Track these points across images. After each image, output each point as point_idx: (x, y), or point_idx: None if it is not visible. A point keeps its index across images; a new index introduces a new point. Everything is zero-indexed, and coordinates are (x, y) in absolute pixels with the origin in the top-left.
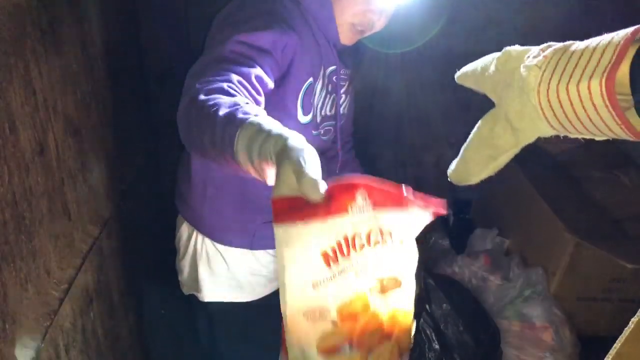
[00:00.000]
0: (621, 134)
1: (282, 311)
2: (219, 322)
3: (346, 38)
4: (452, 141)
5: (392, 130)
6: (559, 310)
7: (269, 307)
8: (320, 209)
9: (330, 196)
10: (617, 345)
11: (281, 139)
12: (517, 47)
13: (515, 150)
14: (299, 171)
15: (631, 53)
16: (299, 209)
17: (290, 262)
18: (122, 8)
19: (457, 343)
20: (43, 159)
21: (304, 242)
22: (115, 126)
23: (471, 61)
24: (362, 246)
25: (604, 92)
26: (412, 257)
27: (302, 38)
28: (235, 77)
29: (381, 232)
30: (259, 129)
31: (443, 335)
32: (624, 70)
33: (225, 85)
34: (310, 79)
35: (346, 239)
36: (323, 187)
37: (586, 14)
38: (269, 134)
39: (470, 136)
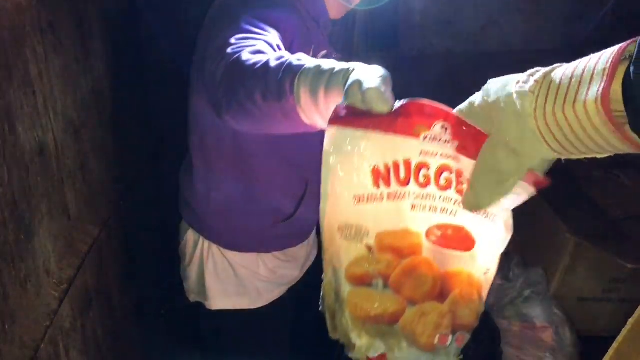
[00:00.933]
0: (624, 148)
1: (320, 224)
2: (226, 329)
3: (334, 10)
4: None
5: None
6: (559, 310)
7: (275, 313)
8: (384, 122)
9: (401, 114)
10: (615, 345)
11: (349, 68)
12: (500, 78)
13: (522, 174)
14: (366, 81)
15: (621, 71)
16: (360, 116)
17: (336, 167)
18: (122, 8)
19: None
20: (43, 159)
21: (355, 149)
22: (115, 126)
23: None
24: (428, 181)
25: (601, 110)
26: (497, 230)
27: (293, 18)
28: (262, 43)
29: (459, 177)
30: (319, 69)
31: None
32: (616, 88)
33: (259, 45)
34: None
35: (407, 164)
36: (390, 100)
37: (586, 14)
38: (333, 69)
39: (475, 165)
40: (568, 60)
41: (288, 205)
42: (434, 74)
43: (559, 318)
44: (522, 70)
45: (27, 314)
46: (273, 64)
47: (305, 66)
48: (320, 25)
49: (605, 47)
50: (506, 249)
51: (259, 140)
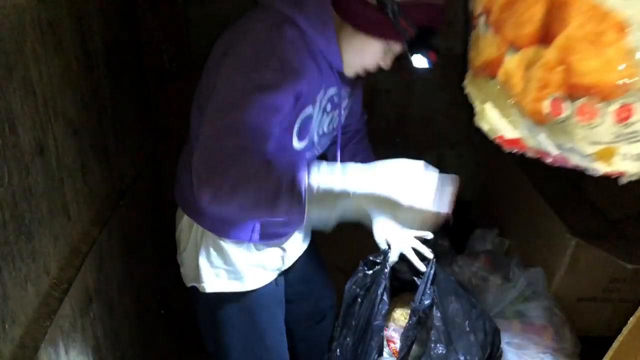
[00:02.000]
0: None
1: None
2: (220, 312)
3: (351, 72)
4: (452, 141)
5: (392, 130)
6: (559, 310)
7: (268, 295)
8: None
9: None
10: (615, 344)
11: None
12: None
13: None
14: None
15: None
16: None
17: None
18: (122, 8)
19: (462, 345)
20: (43, 159)
21: None
22: (115, 126)
23: None
24: None
25: None
26: None
27: (305, 72)
28: (267, 150)
29: None
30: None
31: (449, 337)
32: None
33: (264, 161)
34: (309, 108)
35: None
36: None
37: None
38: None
39: None
40: None
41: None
42: (435, 74)
43: (559, 318)
44: None
45: (27, 314)
46: (279, 194)
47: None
48: (333, 69)
49: None
50: (506, 249)
51: None
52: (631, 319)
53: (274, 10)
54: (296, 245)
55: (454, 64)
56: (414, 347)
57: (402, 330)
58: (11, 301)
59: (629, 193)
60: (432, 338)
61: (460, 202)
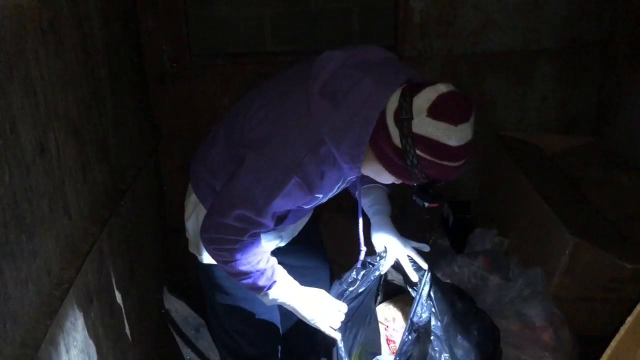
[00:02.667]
0: None
1: None
2: (215, 280)
3: (367, 172)
4: None
5: None
6: (558, 310)
7: None
8: None
9: None
10: (613, 343)
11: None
12: None
13: None
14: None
15: None
16: None
17: None
18: (122, 8)
19: (461, 346)
20: (44, 159)
21: None
22: (115, 126)
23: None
24: None
25: None
26: None
27: (326, 182)
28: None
29: None
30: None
31: (450, 345)
32: None
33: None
34: (327, 195)
35: None
36: None
37: (586, 15)
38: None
39: None
40: (568, 60)
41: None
42: (434, 74)
43: (558, 318)
44: (522, 71)
45: (28, 313)
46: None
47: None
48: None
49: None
50: (506, 249)
51: None
52: (629, 318)
53: (317, 131)
54: (291, 230)
55: (454, 64)
56: (413, 355)
57: (402, 330)
58: (12, 301)
59: (628, 193)
60: (436, 348)
61: (460, 202)
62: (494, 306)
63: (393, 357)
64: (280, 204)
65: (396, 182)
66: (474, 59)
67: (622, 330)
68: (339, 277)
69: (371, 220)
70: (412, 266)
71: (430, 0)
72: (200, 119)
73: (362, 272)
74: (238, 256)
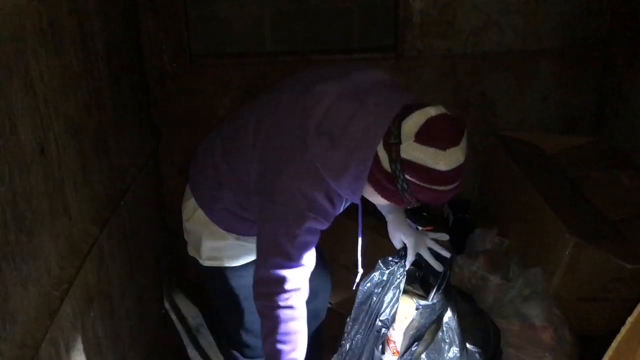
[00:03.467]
0: None
1: None
2: (217, 282)
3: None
4: None
5: None
6: (559, 310)
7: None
8: None
9: None
10: (614, 344)
11: None
12: None
13: None
14: None
15: None
16: None
17: None
18: (122, 8)
19: (465, 345)
20: (44, 159)
21: None
22: (115, 126)
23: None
24: None
25: None
26: None
27: (335, 208)
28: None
29: None
30: None
31: (460, 336)
32: None
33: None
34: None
35: None
36: None
37: (586, 15)
38: None
39: None
40: (568, 60)
41: None
42: (434, 74)
43: (558, 318)
44: (521, 71)
45: (28, 313)
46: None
47: None
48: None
49: (605, 47)
50: (506, 249)
51: None
52: (629, 318)
53: (318, 167)
54: None
55: (454, 64)
56: (417, 344)
57: (402, 329)
58: (12, 301)
59: (628, 193)
60: (447, 340)
61: (460, 202)
62: (494, 306)
63: (395, 357)
64: (306, 241)
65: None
66: (474, 59)
67: (623, 331)
68: (365, 279)
69: (387, 219)
70: (435, 256)
71: (430, 0)
72: (200, 119)
73: (386, 272)
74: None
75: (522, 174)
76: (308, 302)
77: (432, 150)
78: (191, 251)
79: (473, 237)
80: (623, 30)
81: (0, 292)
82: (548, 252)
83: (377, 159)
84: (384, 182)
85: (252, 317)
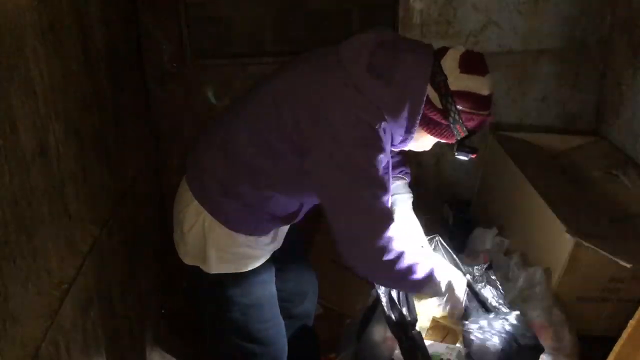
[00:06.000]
0: None
1: None
2: (222, 289)
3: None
4: None
5: None
6: (559, 310)
7: (265, 271)
8: None
9: None
10: (616, 348)
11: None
12: None
13: None
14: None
15: None
16: None
17: None
18: (122, 8)
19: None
20: (44, 159)
21: None
22: (115, 126)
23: None
24: None
25: None
26: None
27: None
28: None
29: None
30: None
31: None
32: None
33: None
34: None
35: None
36: None
37: (586, 15)
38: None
39: None
40: (568, 59)
41: (288, 218)
42: None
43: (558, 318)
44: (521, 71)
45: (28, 313)
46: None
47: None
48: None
49: (605, 47)
50: (506, 248)
51: (297, 197)
52: (631, 321)
53: (374, 106)
54: (285, 230)
55: None
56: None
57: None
58: (12, 300)
59: (628, 193)
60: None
61: (460, 202)
62: None
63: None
64: (384, 159)
65: (426, 149)
66: None
67: (625, 334)
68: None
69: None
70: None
71: (431, 0)
72: (200, 119)
73: None
74: (396, 246)
75: (522, 174)
76: (299, 305)
77: (475, 77)
78: (193, 260)
79: (473, 236)
80: (623, 30)
81: (0, 292)
82: (548, 252)
83: (427, 100)
84: (437, 119)
85: (258, 326)
